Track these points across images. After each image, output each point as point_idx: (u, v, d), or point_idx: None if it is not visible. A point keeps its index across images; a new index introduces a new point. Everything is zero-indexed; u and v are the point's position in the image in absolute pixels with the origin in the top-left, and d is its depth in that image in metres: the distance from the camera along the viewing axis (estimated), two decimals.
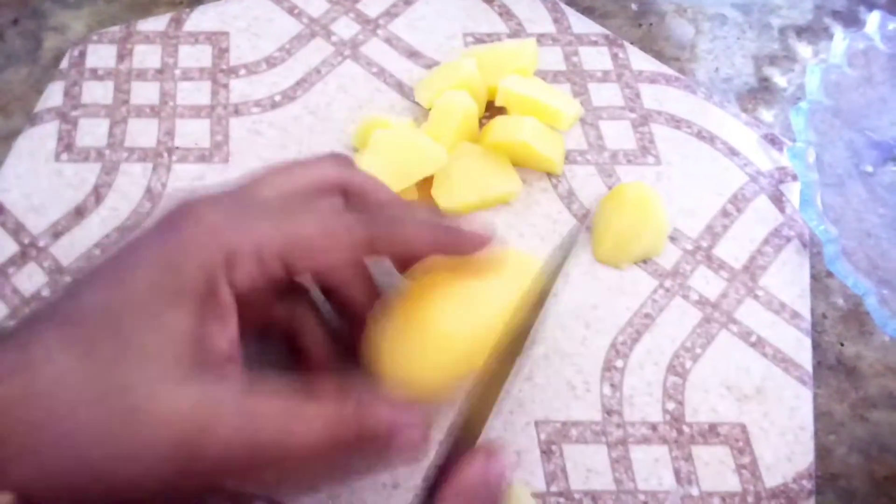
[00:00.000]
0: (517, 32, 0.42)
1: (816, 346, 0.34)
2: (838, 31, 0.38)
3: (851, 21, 0.44)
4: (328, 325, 0.30)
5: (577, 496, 0.30)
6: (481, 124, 0.38)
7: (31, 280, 0.34)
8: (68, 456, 0.22)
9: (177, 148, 0.38)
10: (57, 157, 0.38)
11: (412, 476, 0.30)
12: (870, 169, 0.37)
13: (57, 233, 0.36)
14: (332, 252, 0.26)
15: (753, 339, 0.34)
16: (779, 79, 0.42)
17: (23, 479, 0.22)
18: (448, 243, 0.28)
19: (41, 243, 0.35)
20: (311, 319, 0.30)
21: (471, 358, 0.28)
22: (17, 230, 0.36)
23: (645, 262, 0.35)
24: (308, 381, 0.25)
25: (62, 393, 0.22)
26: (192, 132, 0.39)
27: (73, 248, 0.35)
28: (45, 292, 0.34)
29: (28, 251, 0.35)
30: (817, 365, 0.34)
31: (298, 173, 0.28)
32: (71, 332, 0.23)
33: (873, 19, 0.38)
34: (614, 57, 0.41)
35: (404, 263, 0.29)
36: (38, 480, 0.22)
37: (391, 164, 0.34)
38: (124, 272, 0.24)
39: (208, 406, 0.23)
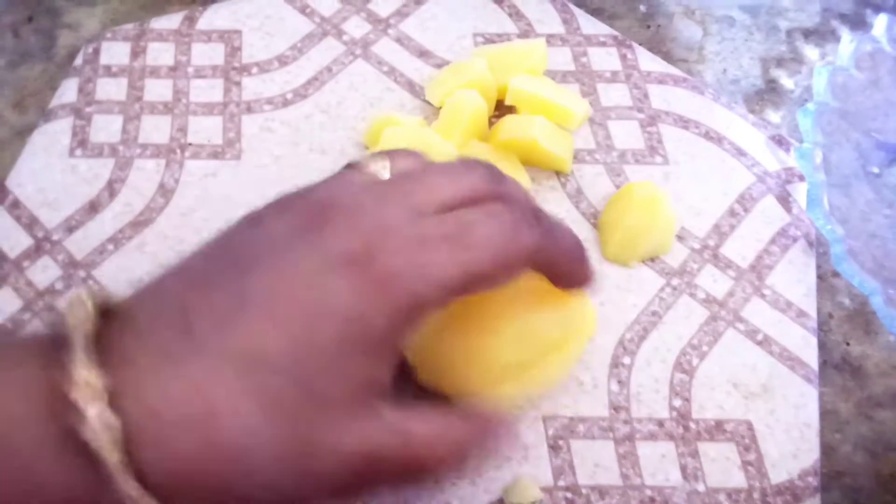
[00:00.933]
0: (527, 33, 0.42)
1: (822, 345, 0.35)
2: (845, 33, 0.38)
3: (858, 24, 0.44)
4: None
5: (584, 491, 0.31)
6: (491, 123, 0.38)
7: (44, 273, 0.35)
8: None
9: (189, 144, 0.38)
10: (71, 153, 0.38)
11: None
12: (876, 170, 0.38)
13: (71, 227, 0.36)
14: (508, 277, 0.26)
15: (760, 337, 0.34)
16: (786, 80, 0.43)
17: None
18: (576, 265, 0.28)
19: (55, 237, 0.36)
20: None
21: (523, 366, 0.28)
22: (31, 224, 0.36)
23: (652, 260, 0.36)
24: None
25: (248, 444, 0.21)
26: (205, 129, 0.39)
27: (86, 243, 0.36)
28: (59, 286, 0.35)
29: (42, 245, 0.36)
30: (823, 364, 0.34)
31: (453, 177, 0.26)
32: (254, 381, 0.21)
33: (880, 22, 0.39)
34: (623, 58, 0.42)
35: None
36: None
37: None
38: (310, 320, 0.22)
39: (374, 441, 0.23)
